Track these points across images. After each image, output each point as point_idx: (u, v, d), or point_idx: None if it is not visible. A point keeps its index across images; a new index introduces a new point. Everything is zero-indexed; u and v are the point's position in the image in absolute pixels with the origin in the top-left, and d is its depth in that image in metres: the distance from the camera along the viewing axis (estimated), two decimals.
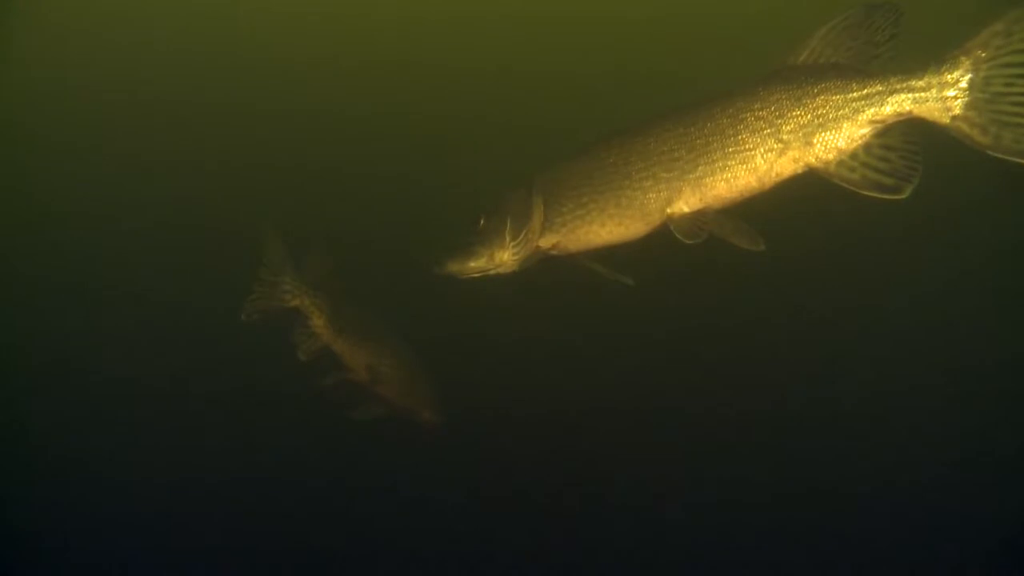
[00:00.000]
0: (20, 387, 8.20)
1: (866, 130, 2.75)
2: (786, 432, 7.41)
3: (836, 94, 2.77)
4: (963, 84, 2.56)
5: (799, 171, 2.88)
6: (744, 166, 2.89)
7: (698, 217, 2.94)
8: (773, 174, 2.88)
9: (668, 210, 2.99)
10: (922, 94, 2.64)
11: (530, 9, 18.58)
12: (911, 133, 2.71)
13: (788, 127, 2.82)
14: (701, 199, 2.95)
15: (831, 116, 2.78)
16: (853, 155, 2.77)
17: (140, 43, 16.26)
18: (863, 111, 2.74)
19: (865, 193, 2.74)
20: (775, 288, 8.66)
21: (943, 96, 2.60)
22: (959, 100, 2.58)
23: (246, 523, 6.67)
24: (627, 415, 7.52)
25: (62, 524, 6.72)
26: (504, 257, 3.24)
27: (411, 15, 18.29)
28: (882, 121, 2.73)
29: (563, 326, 8.35)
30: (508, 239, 3.21)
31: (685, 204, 2.97)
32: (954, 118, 2.61)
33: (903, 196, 2.66)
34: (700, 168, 2.92)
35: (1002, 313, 8.56)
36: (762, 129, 2.85)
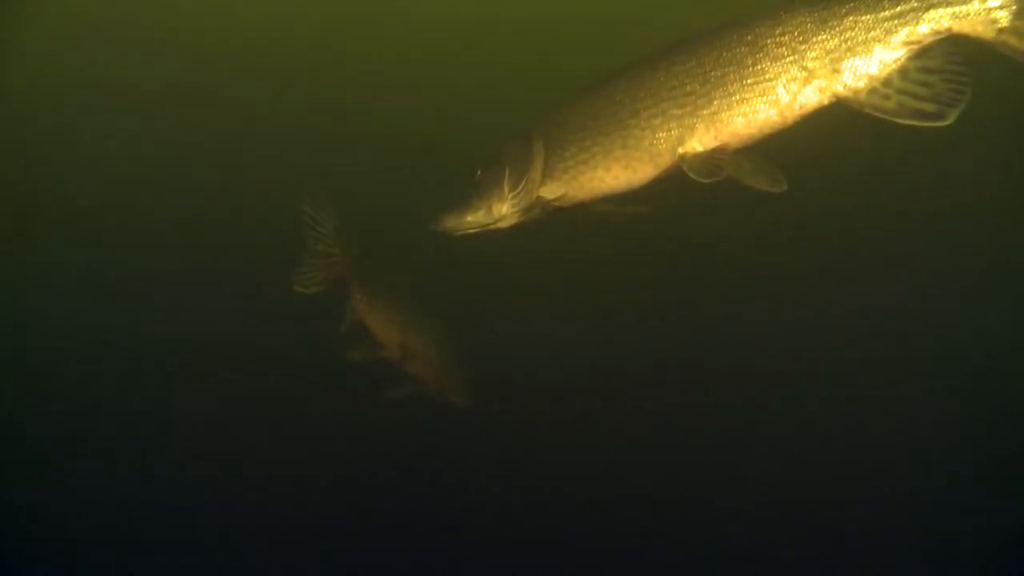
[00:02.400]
0: (21, 384, 8.12)
1: (901, 52, 2.47)
2: (785, 431, 7.19)
3: (865, 13, 2.49)
4: None
5: (825, 103, 2.60)
6: (764, 98, 2.61)
7: (713, 156, 2.67)
8: (796, 107, 2.61)
9: (680, 150, 2.72)
10: (962, 7, 2.36)
11: (536, 7, 18.46)
12: (955, 52, 2.42)
13: (813, 53, 2.55)
14: (716, 137, 2.68)
15: (861, 39, 2.50)
16: (886, 81, 2.49)
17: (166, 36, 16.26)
18: (896, 31, 2.46)
19: (903, 122, 2.45)
20: (780, 283, 8.49)
21: (987, 7, 2.32)
22: (1006, 9, 2.29)
23: (250, 520, 6.55)
24: (647, 409, 7.34)
25: (63, 523, 6.60)
26: (503, 210, 2.98)
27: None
28: (918, 42, 2.45)
29: (592, 315, 8.21)
30: (507, 190, 2.96)
31: (699, 143, 2.70)
32: (1001, 31, 2.32)
33: (947, 122, 2.37)
34: (715, 103, 2.65)
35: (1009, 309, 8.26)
36: (784, 56, 2.58)
